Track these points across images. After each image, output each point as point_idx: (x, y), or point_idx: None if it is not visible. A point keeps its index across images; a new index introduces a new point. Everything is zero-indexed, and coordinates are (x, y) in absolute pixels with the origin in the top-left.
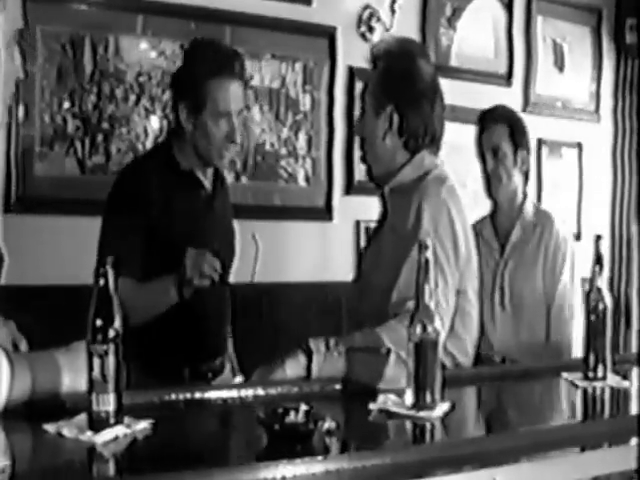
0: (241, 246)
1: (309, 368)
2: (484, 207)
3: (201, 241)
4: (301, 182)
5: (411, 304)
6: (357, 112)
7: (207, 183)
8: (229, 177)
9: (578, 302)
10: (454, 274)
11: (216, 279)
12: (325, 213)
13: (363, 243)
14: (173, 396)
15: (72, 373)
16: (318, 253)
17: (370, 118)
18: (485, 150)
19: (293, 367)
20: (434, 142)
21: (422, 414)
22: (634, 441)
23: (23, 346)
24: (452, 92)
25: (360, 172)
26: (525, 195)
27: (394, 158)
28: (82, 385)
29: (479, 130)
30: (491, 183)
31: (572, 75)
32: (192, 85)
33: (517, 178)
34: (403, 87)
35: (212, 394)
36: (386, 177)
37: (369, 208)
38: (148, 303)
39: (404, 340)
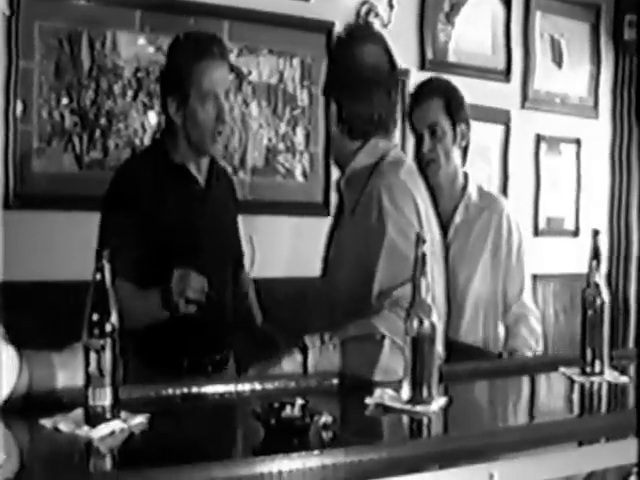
0: (245, 241)
1: (305, 364)
2: None
3: (192, 237)
4: (299, 177)
5: (398, 292)
6: None
7: (200, 178)
8: None
9: (530, 298)
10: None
11: (202, 300)
12: (323, 208)
13: None
14: (170, 390)
15: (67, 372)
16: (315, 248)
17: (326, 112)
18: (421, 129)
19: (289, 364)
20: (382, 126)
21: (419, 409)
22: (632, 436)
23: None
24: None
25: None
26: (466, 176)
27: (344, 146)
28: (76, 384)
29: (410, 108)
30: (429, 166)
31: (570, 71)
32: (176, 76)
33: (457, 157)
34: (339, 75)
35: (209, 389)
36: (343, 165)
37: None
38: (142, 312)
39: (400, 328)
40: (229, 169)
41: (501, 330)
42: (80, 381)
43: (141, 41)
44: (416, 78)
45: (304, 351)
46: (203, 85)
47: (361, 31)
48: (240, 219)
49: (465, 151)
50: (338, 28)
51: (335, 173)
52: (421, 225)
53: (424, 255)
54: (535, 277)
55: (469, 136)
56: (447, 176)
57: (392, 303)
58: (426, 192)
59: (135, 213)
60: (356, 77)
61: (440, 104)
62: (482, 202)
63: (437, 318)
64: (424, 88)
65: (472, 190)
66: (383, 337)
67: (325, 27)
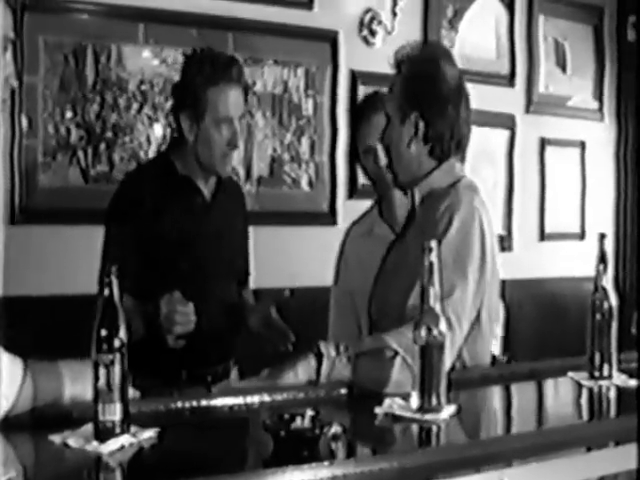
0: (251, 251)
1: (318, 372)
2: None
3: (195, 250)
4: (305, 187)
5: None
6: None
7: (207, 191)
8: None
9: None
10: (477, 288)
11: (190, 329)
12: (329, 217)
13: None
14: (179, 404)
15: (75, 383)
16: (322, 258)
17: (395, 125)
18: None
19: (305, 370)
20: (460, 148)
21: (428, 417)
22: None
23: None
24: None
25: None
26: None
27: (420, 165)
28: (85, 395)
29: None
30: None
31: (574, 74)
32: (192, 95)
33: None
34: (427, 93)
35: (218, 401)
36: (412, 184)
37: None
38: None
39: (412, 345)
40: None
41: None
42: (87, 392)
43: (146, 54)
44: None
45: (319, 358)
46: (219, 108)
47: (439, 49)
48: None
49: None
50: (342, 37)
51: (342, 183)
52: (484, 255)
53: (431, 264)
54: (541, 281)
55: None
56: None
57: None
58: (492, 219)
59: (138, 225)
60: (446, 96)
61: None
62: None
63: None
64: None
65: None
66: (395, 355)
67: (329, 36)
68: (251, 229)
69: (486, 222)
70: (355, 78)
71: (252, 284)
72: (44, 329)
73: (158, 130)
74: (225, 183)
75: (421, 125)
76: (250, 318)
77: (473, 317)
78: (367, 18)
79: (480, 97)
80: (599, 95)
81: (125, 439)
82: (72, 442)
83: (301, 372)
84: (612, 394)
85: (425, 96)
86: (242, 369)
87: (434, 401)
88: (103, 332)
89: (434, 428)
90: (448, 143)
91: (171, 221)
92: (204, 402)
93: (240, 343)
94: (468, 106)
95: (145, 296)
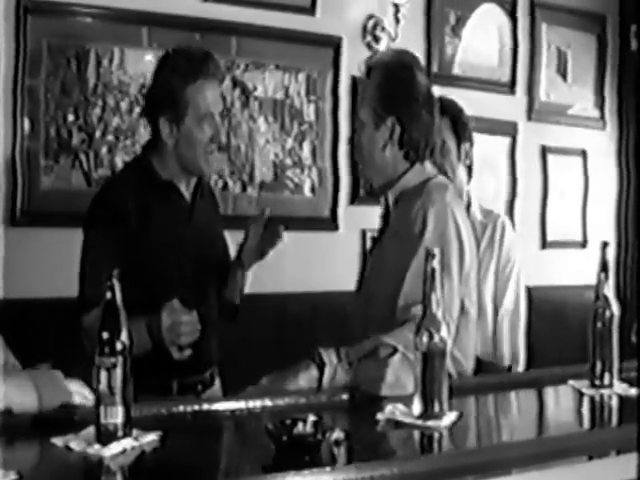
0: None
1: (320, 380)
2: None
3: (179, 254)
4: (306, 192)
5: (415, 310)
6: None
7: (187, 194)
8: (236, 188)
9: (523, 311)
10: (459, 280)
11: (196, 338)
12: (331, 223)
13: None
14: (181, 408)
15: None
16: (324, 263)
17: (368, 131)
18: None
19: (306, 379)
20: (433, 154)
21: (430, 423)
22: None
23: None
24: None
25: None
26: (469, 193)
27: (395, 168)
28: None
29: None
30: None
31: (576, 82)
32: (170, 96)
33: (461, 173)
34: (404, 97)
35: (220, 406)
36: (385, 187)
37: (375, 217)
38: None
39: (411, 342)
40: (237, 185)
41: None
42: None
43: (148, 57)
44: None
45: (321, 367)
46: (200, 105)
47: (410, 56)
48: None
49: (470, 169)
50: (345, 43)
51: (344, 189)
52: (462, 247)
53: (433, 270)
54: (542, 289)
55: (472, 155)
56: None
57: (409, 320)
58: (467, 215)
59: (120, 231)
60: (421, 102)
61: (447, 123)
62: (486, 219)
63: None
64: None
65: (475, 208)
66: (394, 351)
67: (331, 42)
68: None
69: (460, 217)
70: (356, 84)
71: (253, 289)
72: (45, 332)
73: None
74: (203, 184)
75: (397, 129)
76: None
77: (458, 310)
78: (370, 24)
79: (482, 104)
80: (600, 104)
81: (127, 442)
82: (74, 445)
83: (302, 382)
84: (613, 403)
85: (401, 100)
86: (224, 377)
87: (436, 408)
88: (105, 335)
89: (435, 435)
90: (423, 150)
91: (156, 226)
92: (206, 406)
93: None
94: (438, 114)
95: (131, 307)
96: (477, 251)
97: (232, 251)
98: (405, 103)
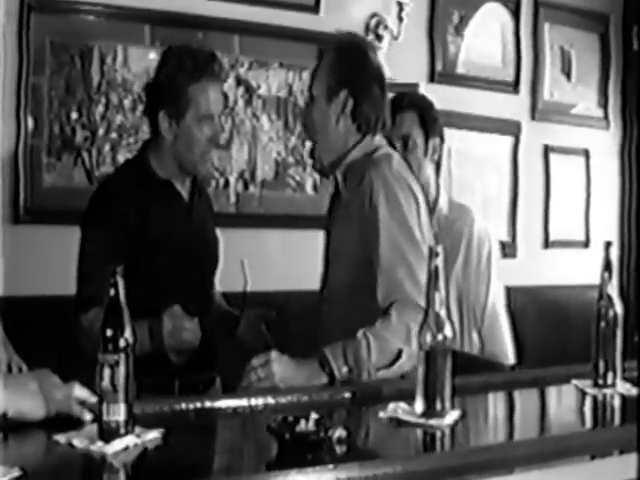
0: (255, 254)
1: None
2: (494, 215)
3: (178, 254)
4: (309, 190)
5: (398, 294)
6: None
7: (184, 193)
8: (238, 186)
9: (502, 304)
10: (422, 236)
11: (195, 345)
12: None
13: None
14: (184, 405)
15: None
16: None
17: (321, 105)
18: (394, 140)
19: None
20: (384, 128)
21: (432, 422)
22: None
23: (24, 369)
24: (459, 100)
25: None
26: (438, 188)
27: (346, 142)
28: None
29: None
30: None
31: (579, 82)
32: (172, 92)
33: (429, 169)
34: (356, 73)
35: (222, 403)
36: (335, 164)
37: None
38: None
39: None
40: (240, 183)
41: (475, 337)
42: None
43: (151, 55)
44: (425, 91)
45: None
46: (201, 105)
47: (362, 38)
48: (250, 233)
49: (438, 165)
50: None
51: None
52: (418, 204)
53: (437, 268)
54: (545, 288)
55: (442, 150)
56: None
57: (400, 305)
58: (416, 181)
59: (119, 230)
60: (373, 78)
61: (414, 117)
62: (452, 214)
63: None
64: (400, 101)
65: (443, 203)
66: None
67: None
68: (255, 232)
69: (410, 179)
70: None
71: (255, 287)
72: (48, 329)
73: None
74: (198, 183)
75: (350, 102)
76: (241, 330)
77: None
78: (373, 23)
79: (485, 103)
80: (604, 103)
81: (129, 440)
82: (77, 442)
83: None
84: (616, 402)
85: (354, 75)
86: (224, 377)
87: (438, 406)
88: (108, 332)
89: (438, 433)
90: (374, 122)
91: (154, 225)
92: (208, 404)
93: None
94: (387, 94)
95: (130, 307)
96: (429, 220)
97: (231, 250)
98: (357, 77)
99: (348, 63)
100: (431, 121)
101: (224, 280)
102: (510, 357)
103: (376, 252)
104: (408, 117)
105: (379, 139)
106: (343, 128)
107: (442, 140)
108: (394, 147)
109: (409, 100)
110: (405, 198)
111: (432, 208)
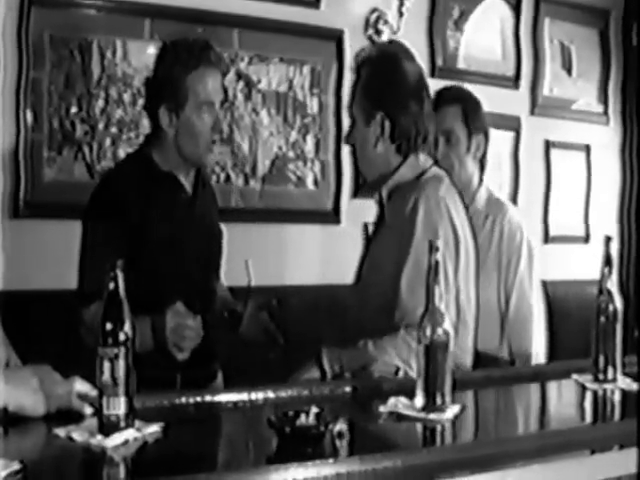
0: (256, 249)
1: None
2: None
3: (182, 247)
4: (309, 185)
5: (409, 319)
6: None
7: (188, 185)
8: (238, 180)
9: (536, 300)
10: (455, 275)
11: (197, 343)
12: (333, 216)
13: None
14: (184, 399)
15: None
16: (326, 256)
17: (360, 127)
18: (436, 135)
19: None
20: (426, 142)
21: (432, 416)
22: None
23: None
24: None
25: None
26: (480, 184)
27: (388, 163)
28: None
29: None
30: None
31: (580, 77)
32: (171, 85)
33: (471, 165)
34: (389, 92)
35: (222, 397)
36: (380, 181)
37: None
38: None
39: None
40: (240, 178)
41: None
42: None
43: (151, 50)
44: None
45: (322, 373)
46: (199, 93)
47: (397, 46)
48: (251, 227)
49: (482, 162)
50: (348, 36)
51: (347, 182)
52: (457, 242)
53: (437, 263)
54: (545, 283)
55: (486, 148)
56: (459, 184)
57: (412, 328)
58: (463, 209)
59: (121, 224)
60: (409, 93)
61: (458, 112)
62: (487, 209)
63: (471, 330)
64: (444, 94)
65: (481, 197)
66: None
67: (335, 35)
68: (255, 226)
69: (454, 210)
70: None
71: (254, 281)
72: (48, 323)
73: None
74: (202, 175)
75: (387, 124)
76: (244, 325)
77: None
78: (373, 17)
79: (485, 98)
80: (604, 99)
81: (129, 433)
82: (76, 436)
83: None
84: (616, 397)
85: (387, 95)
86: (226, 372)
87: (439, 400)
88: (108, 326)
89: (438, 427)
90: (414, 139)
91: (158, 218)
92: (208, 398)
93: (227, 345)
94: (430, 100)
95: (132, 301)
96: (475, 244)
97: (232, 245)
98: (391, 96)
99: (381, 82)
100: (475, 117)
101: (224, 276)
102: (534, 354)
103: (400, 274)
104: (451, 112)
105: (424, 159)
106: (382, 149)
107: (487, 137)
108: (435, 142)
109: (453, 94)
110: (443, 229)
111: (469, 203)
